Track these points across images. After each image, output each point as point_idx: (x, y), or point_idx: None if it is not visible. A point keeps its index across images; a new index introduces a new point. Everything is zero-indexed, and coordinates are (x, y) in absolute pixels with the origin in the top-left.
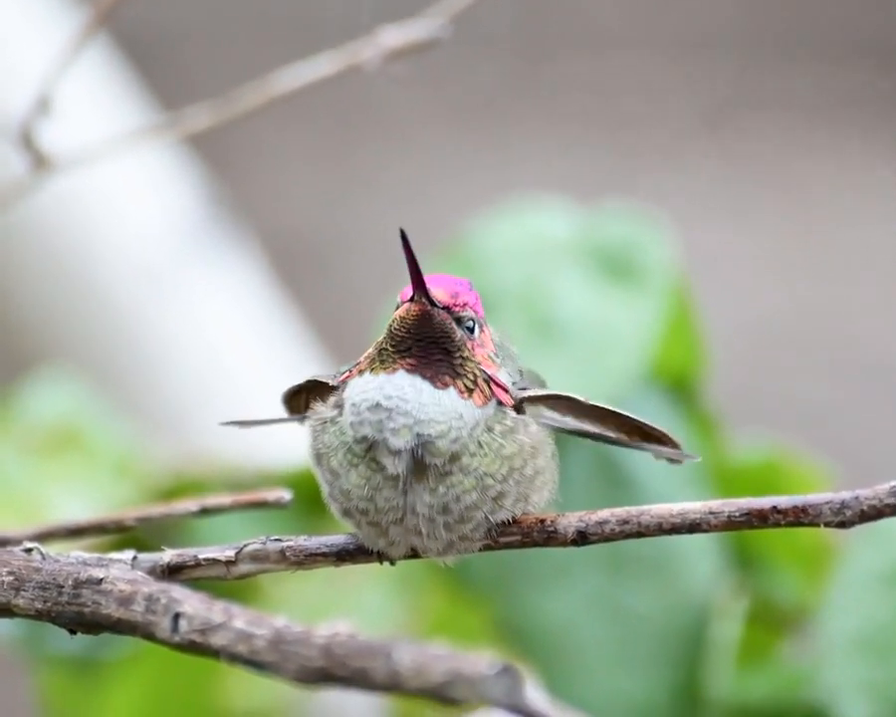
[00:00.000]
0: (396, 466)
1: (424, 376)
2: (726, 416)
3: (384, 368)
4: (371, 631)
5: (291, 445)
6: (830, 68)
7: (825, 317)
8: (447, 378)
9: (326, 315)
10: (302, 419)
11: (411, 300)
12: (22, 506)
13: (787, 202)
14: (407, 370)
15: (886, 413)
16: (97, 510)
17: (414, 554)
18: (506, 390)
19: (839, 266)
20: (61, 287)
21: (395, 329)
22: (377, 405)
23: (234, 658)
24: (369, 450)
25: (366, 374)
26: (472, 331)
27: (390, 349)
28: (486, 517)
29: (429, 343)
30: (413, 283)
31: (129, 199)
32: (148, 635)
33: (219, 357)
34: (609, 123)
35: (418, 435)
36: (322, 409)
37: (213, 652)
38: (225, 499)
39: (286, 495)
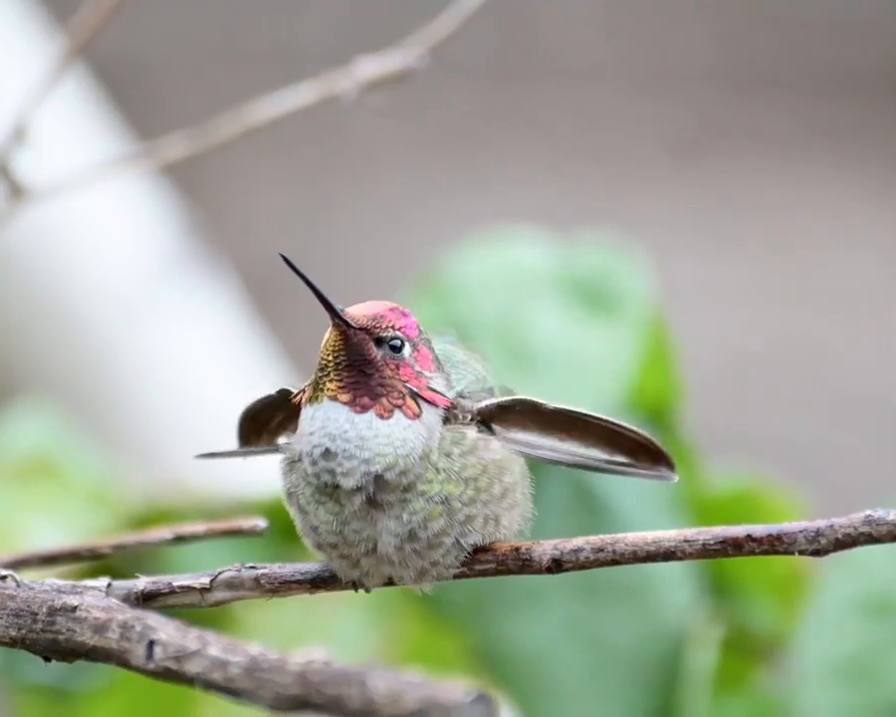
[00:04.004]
0: (353, 504)
1: (343, 403)
2: (701, 446)
3: (316, 398)
4: (346, 658)
5: (266, 473)
6: (804, 100)
7: (800, 346)
8: (366, 400)
9: (300, 343)
10: (276, 449)
11: (335, 323)
12: None
13: (762, 233)
14: (329, 398)
15: (861, 443)
16: (71, 538)
17: (389, 581)
18: (434, 404)
19: (813, 296)
20: (36, 316)
21: (321, 355)
22: (327, 452)
23: (209, 686)
24: (335, 490)
25: (307, 406)
26: (398, 349)
27: (318, 374)
28: (456, 541)
29: (346, 366)
30: (324, 306)
31: (105, 228)
32: (123, 663)
33: (194, 384)
34: (585, 154)
35: (365, 474)
36: (292, 444)
37: (188, 680)
38: (200, 527)
39: (261, 523)
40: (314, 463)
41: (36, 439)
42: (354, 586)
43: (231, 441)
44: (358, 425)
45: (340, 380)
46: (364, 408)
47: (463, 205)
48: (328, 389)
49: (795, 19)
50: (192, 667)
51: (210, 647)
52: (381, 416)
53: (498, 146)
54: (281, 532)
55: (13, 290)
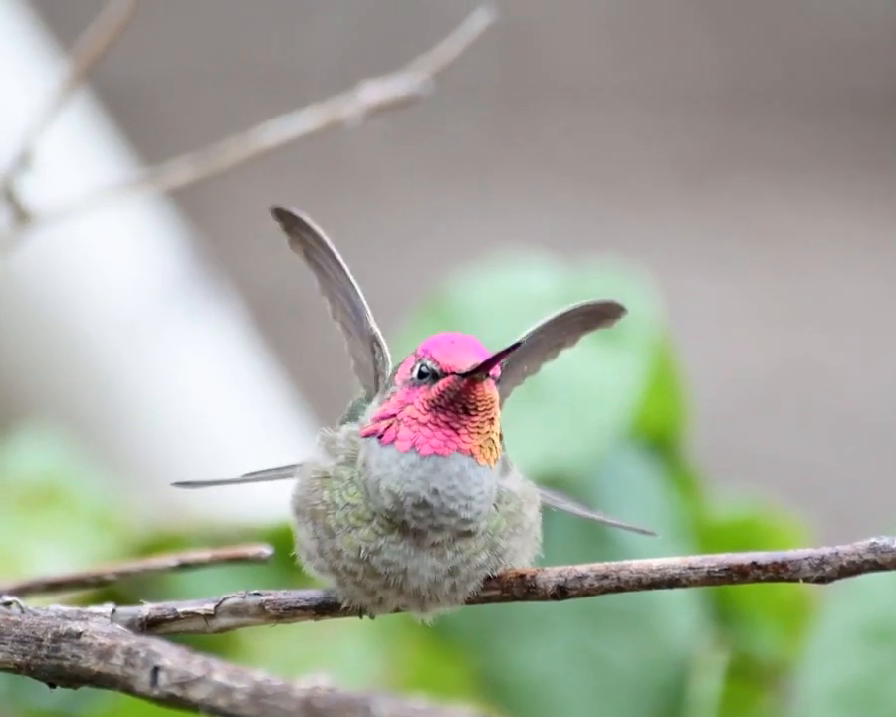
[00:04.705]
0: (423, 545)
1: (468, 453)
2: (706, 470)
3: (434, 448)
4: (350, 684)
5: (270, 500)
6: (807, 124)
7: (805, 370)
8: (486, 453)
9: (304, 367)
10: (254, 479)
11: (470, 375)
12: (1, 560)
13: (767, 256)
14: (458, 450)
15: (867, 468)
16: (76, 564)
17: (396, 609)
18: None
19: (818, 320)
20: (41, 340)
21: (455, 402)
22: (423, 503)
23: (214, 712)
24: (392, 521)
25: (411, 453)
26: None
27: (441, 420)
28: (488, 574)
29: (480, 416)
30: (488, 365)
31: (109, 252)
32: (128, 689)
33: (199, 409)
34: (591, 177)
35: (457, 530)
36: (319, 459)
37: (193, 706)
38: (204, 554)
39: (265, 550)
40: (397, 503)
41: (40, 465)
42: (360, 612)
43: (235, 466)
44: (473, 483)
45: (465, 429)
46: (473, 455)
47: (468, 229)
48: (462, 441)
49: (800, 43)
50: (197, 694)
51: (215, 674)
52: (484, 465)
53: (503, 171)
54: (285, 558)
55: (18, 314)
